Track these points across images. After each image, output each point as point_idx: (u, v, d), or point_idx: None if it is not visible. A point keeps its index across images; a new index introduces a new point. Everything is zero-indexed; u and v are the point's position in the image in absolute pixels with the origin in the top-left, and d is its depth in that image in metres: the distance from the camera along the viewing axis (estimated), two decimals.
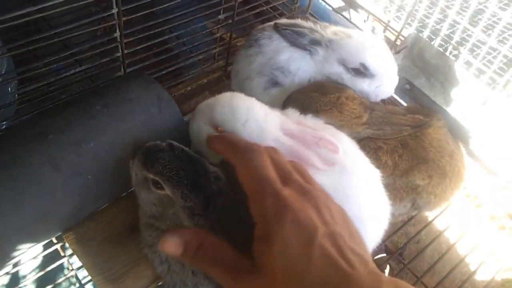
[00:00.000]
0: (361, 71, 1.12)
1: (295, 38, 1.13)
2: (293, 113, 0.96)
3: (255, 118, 0.88)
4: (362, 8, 1.75)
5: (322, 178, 0.82)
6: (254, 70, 1.17)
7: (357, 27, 1.68)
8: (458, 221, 1.20)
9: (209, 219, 0.76)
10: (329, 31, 1.15)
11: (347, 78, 1.13)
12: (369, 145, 1.05)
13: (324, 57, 1.13)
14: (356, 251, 0.60)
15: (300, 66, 1.14)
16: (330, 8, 1.81)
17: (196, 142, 0.95)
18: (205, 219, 0.76)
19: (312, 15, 1.64)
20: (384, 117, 1.06)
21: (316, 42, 1.13)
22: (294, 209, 0.60)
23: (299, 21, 1.18)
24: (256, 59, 1.16)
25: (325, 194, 0.68)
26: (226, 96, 0.94)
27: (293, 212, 0.59)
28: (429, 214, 1.17)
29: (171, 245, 0.67)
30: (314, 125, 0.94)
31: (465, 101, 1.25)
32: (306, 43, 1.13)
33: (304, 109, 1.05)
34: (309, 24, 1.16)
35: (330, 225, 0.61)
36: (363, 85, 1.14)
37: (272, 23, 1.18)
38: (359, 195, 0.87)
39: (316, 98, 1.05)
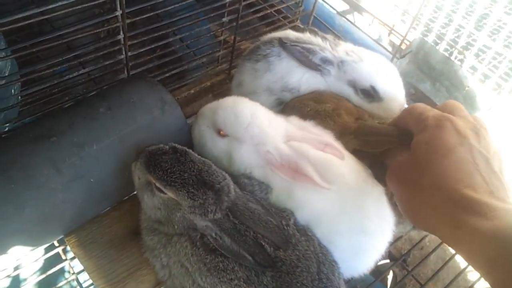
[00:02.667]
0: (371, 94, 1.10)
1: (305, 56, 1.10)
2: (296, 120, 0.95)
3: (258, 124, 0.88)
4: (367, 11, 1.74)
5: (328, 191, 0.82)
6: (261, 86, 1.15)
7: (362, 30, 1.68)
8: None
9: (224, 211, 0.77)
10: (340, 49, 1.13)
11: (355, 100, 1.12)
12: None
13: (335, 77, 1.12)
14: (493, 182, 0.70)
15: (310, 85, 1.12)
16: (335, 12, 1.80)
17: (198, 145, 0.95)
18: (220, 212, 0.77)
19: (316, 18, 1.63)
20: (373, 127, 1.03)
21: (328, 61, 1.11)
22: (454, 120, 0.76)
23: (307, 35, 1.14)
24: (264, 76, 1.14)
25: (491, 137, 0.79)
26: (229, 100, 0.93)
27: (452, 122, 0.76)
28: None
29: None
30: (317, 131, 0.93)
31: (471, 106, 1.24)
32: (317, 61, 1.10)
33: (300, 117, 1.04)
34: (317, 40, 1.13)
35: (482, 148, 0.73)
36: (370, 108, 1.12)
37: (278, 34, 1.16)
38: (363, 208, 0.86)
39: (311, 106, 1.05)
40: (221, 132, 0.90)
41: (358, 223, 0.86)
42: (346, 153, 0.89)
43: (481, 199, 0.66)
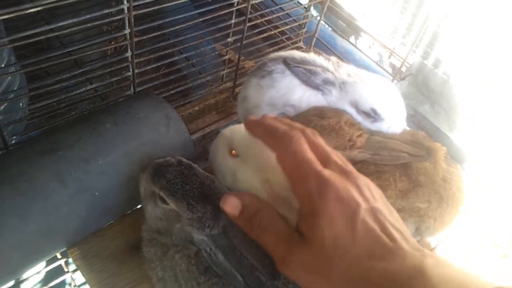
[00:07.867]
0: (372, 115, 1.13)
1: (307, 77, 1.13)
2: None
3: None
4: (368, 34, 1.78)
5: None
6: (265, 101, 1.18)
7: (363, 52, 1.71)
8: (460, 248, 1.20)
9: (220, 228, 0.77)
10: (342, 71, 1.16)
11: (358, 119, 1.14)
12: (368, 167, 1.05)
13: (336, 97, 1.14)
14: (396, 226, 0.62)
15: (311, 103, 1.15)
16: (336, 33, 1.83)
17: (211, 158, 0.97)
18: (217, 228, 0.77)
19: (319, 39, 1.67)
20: (381, 142, 1.06)
21: (329, 82, 1.14)
22: (336, 187, 0.63)
23: (311, 55, 1.17)
24: (268, 92, 1.17)
25: (363, 175, 0.70)
26: None
27: (335, 189, 0.62)
28: (431, 240, 1.17)
29: (230, 206, 0.70)
30: None
31: (470, 128, 1.26)
32: (319, 82, 1.13)
33: None
34: (320, 60, 1.16)
35: (371, 202, 0.64)
36: (371, 127, 1.15)
37: (284, 54, 1.19)
38: None
39: (316, 121, 1.07)
40: (233, 152, 0.92)
41: None
42: None
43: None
